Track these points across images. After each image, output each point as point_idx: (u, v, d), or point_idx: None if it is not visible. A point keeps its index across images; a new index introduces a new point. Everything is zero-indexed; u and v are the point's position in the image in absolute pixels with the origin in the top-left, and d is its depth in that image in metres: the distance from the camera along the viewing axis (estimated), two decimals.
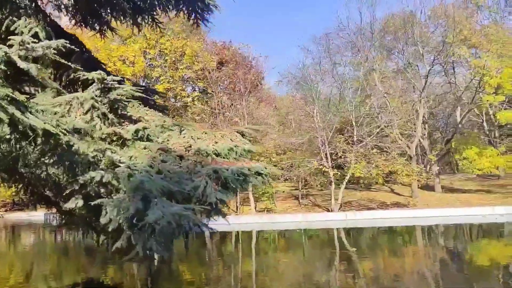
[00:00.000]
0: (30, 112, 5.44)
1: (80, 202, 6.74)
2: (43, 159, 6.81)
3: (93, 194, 6.98)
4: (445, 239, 18.78)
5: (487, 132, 39.21)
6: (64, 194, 8.10)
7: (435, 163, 34.02)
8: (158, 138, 7.97)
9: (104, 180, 6.49)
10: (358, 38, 34.59)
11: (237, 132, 9.38)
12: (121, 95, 7.03)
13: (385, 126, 30.38)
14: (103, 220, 6.87)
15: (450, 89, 37.97)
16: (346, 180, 27.38)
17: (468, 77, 32.93)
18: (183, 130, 8.47)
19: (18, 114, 5.20)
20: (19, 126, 5.41)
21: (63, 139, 5.86)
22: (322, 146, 26.29)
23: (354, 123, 28.15)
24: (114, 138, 7.42)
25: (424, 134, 34.50)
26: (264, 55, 62.84)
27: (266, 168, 7.02)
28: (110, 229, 6.99)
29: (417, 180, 29.57)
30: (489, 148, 30.88)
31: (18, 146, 6.33)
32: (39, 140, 5.79)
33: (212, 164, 6.80)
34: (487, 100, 28.75)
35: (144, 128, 7.43)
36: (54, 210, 10.51)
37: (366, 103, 31.63)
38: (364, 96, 31.81)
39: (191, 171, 6.75)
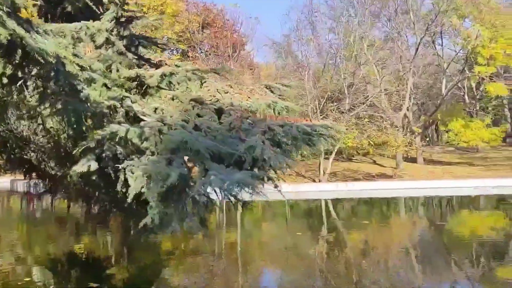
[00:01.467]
0: (37, 32, 3.78)
1: (94, 165, 5.16)
2: (41, 108, 5.16)
3: (108, 156, 5.44)
4: (458, 211, 18.35)
5: (468, 105, 39.18)
6: (63, 156, 6.49)
7: (419, 135, 33.64)
8: (177, 89, 6.40)
9: (128, 137, 4.94)
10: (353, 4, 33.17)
11: (265, 87, 7.91)
12: (145, 26, 5.39)
13: (374, 96, 29.44)
14: (119, 187, 5.40)
15: (434, 61, 37.40)
16: (335, 150, 26.45)
17: (459, 47, 32.29)
18: (204, 81, 6.91)
19: (21, 32, 3.54)
20: (19, 50, 3.75)
21: (81, 75, 4.25)
22: (313, 115, 25.07)
23: (346, 91, 27.04)
24: (133, 85, 5.80)
25: (410, 106, 33.92)
26: (251, 17, 60.00)
27: (330, 126, 5.59)
28: (129, 201, 5.52)
29: (406, 152, 29.06)
30: (475, 121, 30.63)
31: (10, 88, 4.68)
32: (44, 74, 4.14)
33: (264, 121, 5.34)
34: (479, 71, 28.20)
35: (172, 73, 5.84)
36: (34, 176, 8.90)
37: (356, 72, 30.49)
38: (356, 64, 30.58)
39: (237, 128, 5.27)
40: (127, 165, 5.10)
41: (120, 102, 5.50)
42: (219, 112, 5.70)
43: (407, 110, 33.65)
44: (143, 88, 5.83)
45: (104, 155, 5.38)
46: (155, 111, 5.61)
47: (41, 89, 4.66)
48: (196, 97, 5.75)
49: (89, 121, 5.31)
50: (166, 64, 6.20)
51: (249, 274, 8.40)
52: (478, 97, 38.84)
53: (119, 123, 5.37)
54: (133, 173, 5.33)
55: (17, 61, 4.10)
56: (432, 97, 40.57)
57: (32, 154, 7.95)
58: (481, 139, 29.93)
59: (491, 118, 34.23)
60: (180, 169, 4.46)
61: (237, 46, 31.98)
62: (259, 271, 8.76)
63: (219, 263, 9.24)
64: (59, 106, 4.94)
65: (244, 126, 5.32)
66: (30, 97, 4.85)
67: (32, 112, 5.60)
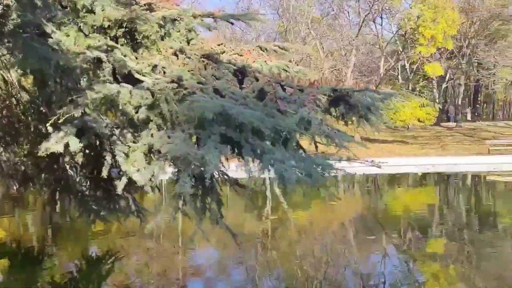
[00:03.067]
0: None
1: (74, 142, 3.58)
2: None
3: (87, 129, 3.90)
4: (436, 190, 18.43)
5: (400, 86, 40.42)
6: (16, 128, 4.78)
7: None
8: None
9: (132, 102, 3.45)
10: None
11: (259, 48, 6.58)
12: None
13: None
14: (105, 171, 3.99)
15: (374, 40, 37.83)
16: None
17: (397, 27, 32.74)
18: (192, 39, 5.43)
19: None
20: None
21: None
22: None
23: None
24: (120, 33, 4.20)
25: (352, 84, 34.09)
26: None
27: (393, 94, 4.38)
28: (119, 192, 4.10)
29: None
30: (412, 100, 31.48)
31: None
32: None
33: (312, 86, 4.06)
34: (420, 51, 28.75)
35: (175, 19, 4.32)
36: None
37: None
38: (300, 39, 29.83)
39: (273, 96, 3.96)
40: (125, 144, 3.63)
41: (106, 54, 3.92)
42: (241, 74, 4.33)
43: None
44: (135, 38, 4.26)
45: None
46: (153, 70, 4.10)
47: None
48: (209, 53, 4.31)
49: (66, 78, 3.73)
50: (156, 6, 4.63)
51: None
52: (411, 77, 40.15)
53: (104, 83, 3.82)
54: (126, 154, 3.88)
55: None
56: (370, 75, 41.25)
57: None
58: (417, 118, 30.90)
59: (425, 98, 35.49)
60: (222, 149, 3.10)
61: None
62: None
63: None
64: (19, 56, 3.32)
65: (281, 93, 4.01)
66: None
67: None
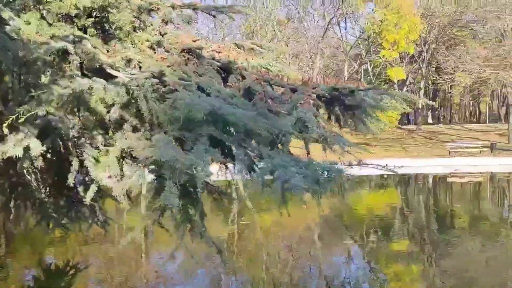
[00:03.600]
0: None
1: (36, 145, 3.08)
2: None
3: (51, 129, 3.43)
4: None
5: None
6: None
7: None
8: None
9: (107, 99, 3.01)
10: None
11: (236, 45, 6.21)
12: None
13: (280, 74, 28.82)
14: (71, 179, 3.57)
15: (337, 43, 38.22)
16: None
17: (361, 31, 33.19)
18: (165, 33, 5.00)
19: None
20: None
21: None
22: None
23: None
24: (89, 23, 3.72)
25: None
26: None
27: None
28: (87, 202, 3.66)
29: None
30: None
31: None
32: None
33: (307, 85, 3.73)
34: (384, 55, 29.23)
35: (151, 9, 3.89)
36: None
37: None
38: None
39: (262, 96, 3.61)
40: (95, 147, 3.18)
41: (73, 46, 3.44)
42: (226, 71, 3.94)
43: None
44: (106, 29, 3.80)
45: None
46: (127, 64, 3.65)
47: None
48: (190, 47, 3.90)
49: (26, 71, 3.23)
50: None
51: None
52: (374, 80, 40.82)
53: (71, 78, 3.35)
54: (96, 159, 3.43)
55: None
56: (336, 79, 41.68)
57: None
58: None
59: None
60: (213, 153, 2.71)
61: None
62: None
63: None
64: None
65: (271, 93, 3.67)
66: None
67: None
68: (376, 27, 28.96)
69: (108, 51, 3.76)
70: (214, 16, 4.29)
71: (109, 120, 3.46)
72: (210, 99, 2.96)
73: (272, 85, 3.85)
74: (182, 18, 4.10)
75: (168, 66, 3.67)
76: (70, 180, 3.52)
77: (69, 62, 3.46)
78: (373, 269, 7.13)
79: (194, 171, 2.60)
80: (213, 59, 3.99)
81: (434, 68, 40.00)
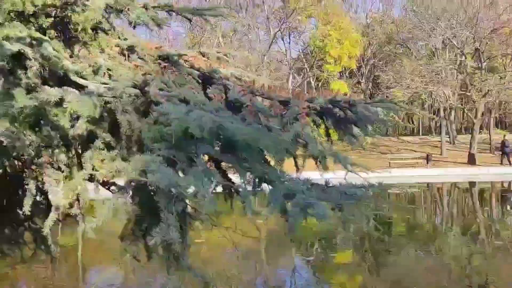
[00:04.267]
0: None
1: None
2: None
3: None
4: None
5: None
6: None
7: None
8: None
9: (81, 112, 2.53)
10: None
11: (200, 54, 5.84)
12: None
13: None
14: (27, 207, 3.07)
15: (281, 57, 38.71)
16: None
17: (304, 46, 33.86)
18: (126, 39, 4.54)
19: None
20: None
21: None
22: None
23: None
24: (48, 23, 3.19)
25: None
26: None
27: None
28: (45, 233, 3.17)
29: None
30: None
31: None
32: None
33: (299, 98, 3.44)
34: (328, 70, 29.93)
35: (121, 9, 3.42)
36: None
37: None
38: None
39: (253, 109, 3.28)
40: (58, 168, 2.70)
41: (31, 49, 2.91)
42: (206, 81, 3.56)
43: None
44: (68, 30, 3.28)
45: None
46: (95, 72, 3.16)
47: None
48: (168, 54, 3.48)
49: None
50: None
51: None
52: (321, 95, 41.66)
53: (29, 87, 2.84)
54: (59, 182, 2.95)
55: None
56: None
57: None
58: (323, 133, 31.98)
59: None
60: (208, 179, 2.31)
61: None
62: None
63: None
64: None
65: (260, 106, 3.33)
66: None
67: None
68: (319, 42, 29.64)
69: (71, 56, 3.25)
70: (190, 20, 3.88)
71: (73, 137, 2.95)
72: (204, 113, 2.56)
73: (257, 96, 3.52)
74: (155, 21, 3.67)
75: (143, 75, 3.22)
76: (26, 208, 2.94)
77: (26, 69, 2.92)
78: (319, 279, 7.49)
79: (194, 197, 2.19)
80: (191, 67, 3.59)
81: (371, 83, 41.69)
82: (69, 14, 3.24)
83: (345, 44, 28.21)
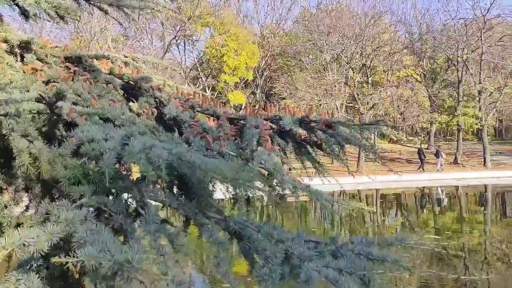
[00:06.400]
0: None
1: None
2: None
3: None
4: None
5: None
6: None
7: None
8: None
9: None
10: None
11: (105, 58, 4.88)
12: None
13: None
14: None
15: (175, 65, 37.52)
16: None
17: (199, 54, 33.24)
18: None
19: None
20: None
21: None
22: None
23: None
24: None
25: None
26: None
27: None
28: None
29: None
30: None
31: None
32: None
33: (254, 115, 2.76)
34: (225, 80, 29.62)
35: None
36: None
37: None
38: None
39: (196, 131, 2.54)
40: None
41: None
42: (130, 92, 2.71)
43: None
44: None
45: None
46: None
47: None
48: (79, 55, 2.56)
49: None
50: None
51: None
52: (229, 104, 41.32)
53: None
54: None
55: None
56: None
57: None
58: None
59: None
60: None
61: None
62: None
63: None
64: None
65: (206, 125, 2.61)
66: None
67: None
68: (215, 52, 29.26)
69: None
70: (106, 12, 3.00)
71: None
72: (149, 140, 1.77)
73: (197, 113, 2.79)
74: (58, 11, 2.72)
75: (45, 83, 2.29)
76: None
77: None
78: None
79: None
80: (110, 73, 2.72)
81: (265, 95, 42.53)
82: None
83: (242, 55, 28.20)
